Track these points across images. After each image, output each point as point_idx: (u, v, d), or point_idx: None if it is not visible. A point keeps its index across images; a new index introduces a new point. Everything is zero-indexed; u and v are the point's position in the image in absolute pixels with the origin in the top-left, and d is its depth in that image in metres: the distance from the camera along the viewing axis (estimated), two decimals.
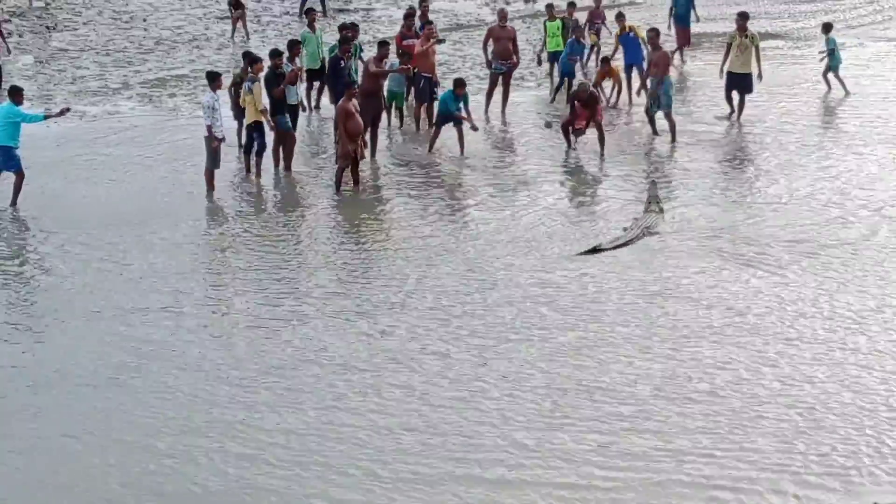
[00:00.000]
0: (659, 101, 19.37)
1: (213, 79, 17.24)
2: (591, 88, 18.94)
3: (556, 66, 22.85)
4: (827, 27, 23.08)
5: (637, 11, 29.29)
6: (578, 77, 21.61)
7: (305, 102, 20.11)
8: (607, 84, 21.81)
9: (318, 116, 21.41)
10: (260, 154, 17.86)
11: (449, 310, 12.78)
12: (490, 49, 21.45)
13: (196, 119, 19.53)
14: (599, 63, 22.33)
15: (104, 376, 11.33)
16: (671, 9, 25.58)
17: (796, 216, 15.61)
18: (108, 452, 9.95)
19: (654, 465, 9.62)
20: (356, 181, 17.32)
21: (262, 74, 17.85)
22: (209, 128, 16.92)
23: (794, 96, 22.38)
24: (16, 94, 16.78)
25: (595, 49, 24.06)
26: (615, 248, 14.57)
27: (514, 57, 21.45)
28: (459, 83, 18.87)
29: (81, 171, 18.38)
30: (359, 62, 20.10)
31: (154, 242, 15.06)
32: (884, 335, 11.95)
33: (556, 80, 22.44)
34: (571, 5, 23.71)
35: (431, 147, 19.02)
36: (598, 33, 24.41)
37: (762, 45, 21.21)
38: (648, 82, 19.90)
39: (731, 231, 15.09)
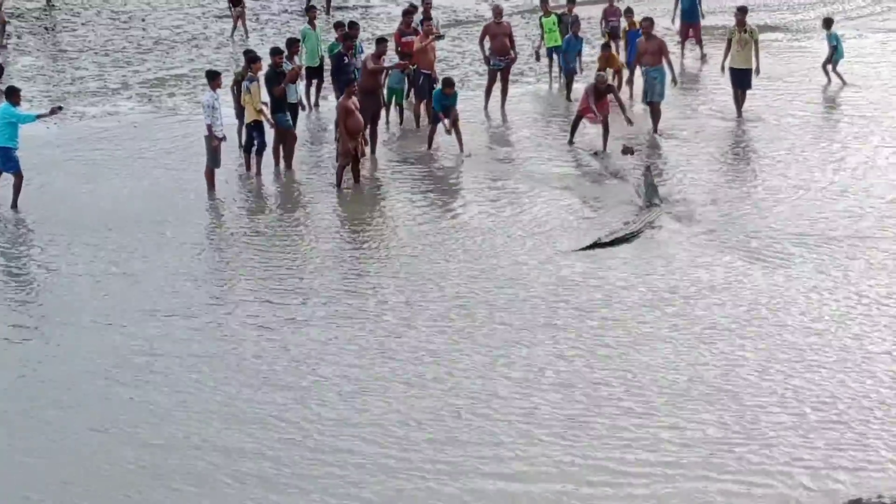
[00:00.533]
0: (652, 89, 19.36)
1: (213, 78, 17.23)
2: (609, 83, 18.91)
3: (555, 61, 22.83)
4: (828, 22, 22.99)
5: (642, 5, 29.22)
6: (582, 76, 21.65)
7: (305, 101, 20.11)
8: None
9: (318, 114, 21.39)
10: (260, 153, 17.85)
11: (459, 308, 12.74)
12: (487, 45, 21.44)
13: (196, 118, 19.53)
14: (600, 48, 22.27)
15: (117, 378, 11.37)
16: (676, 4, 25.48)
17: (804, 208, 15.63)
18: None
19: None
20: (357, 178, 17.32)
21: (261, 73, 17.85)
22: (209, 127, 16.92)
23: (794, 89, 22.36)
24: (13, 95, 16.77)
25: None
26: (614, 242, 14.58)
27: (512, 52, 21.44)
28: (448, 83, 18.86)
29: (81, 171, 18.36)
30: (358, 59, 20.09)
31: (156, 243, 15.05)
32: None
33: (556, 74, 22.41)
34: (571, 1, 23.61)
35: (430, 144, 19.01)
36: (613, 31, 23.73)
37: (761, 37, 21.18)
38: (639, 71, 19.84)
39: (737, 224, 15.09)
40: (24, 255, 14.96)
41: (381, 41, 19.35)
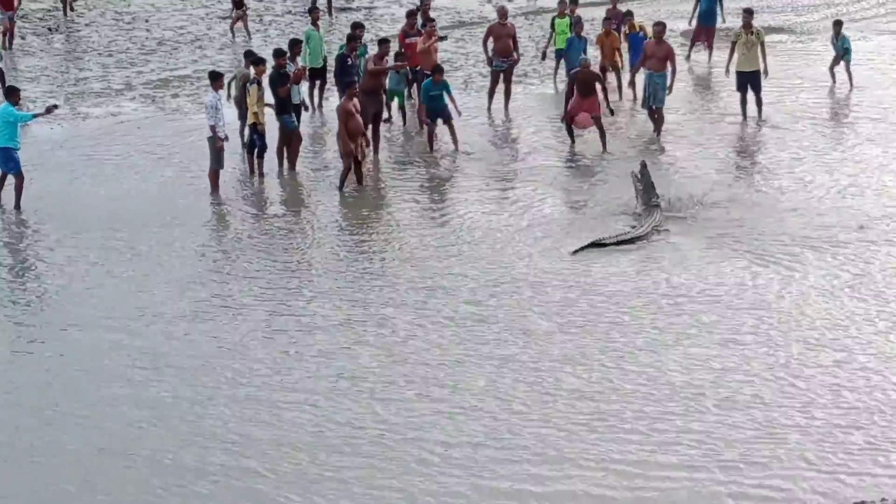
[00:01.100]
0: (654, 94, 19.29)
1: (215, 78, 17.23)
2: (595, 71, 18.83)
3: (562, 63, 22.82)
4: (838, 24, 22.81)
5: (642, 7, 29.18)
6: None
7: (307, 102, 20.10)
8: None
9: (321, 115, 21.36)
10: (260, 155, 17.82)
11: (466, 311, 12.74)
12: (490, 46, 21.41)
13: (200, 119, 19.52)
14: (602, 24, 22.25)
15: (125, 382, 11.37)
16: (695, 6, 25.34)
17: (816, 210, 15.63)
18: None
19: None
20: (359, 180, 17.30)
21: (265, 76, 17.83)
22: (213, 128, 16.90)
23: (800, 90, 22.30)
24: (12, 95, 16.79)
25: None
26: (619, 243, 14.56)
27: (515, 54, 21.41)
28: (437, 69, 18.97)
29: (85, 172, 18.37)
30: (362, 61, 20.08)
31: (161, 245, 15.05)
32: None
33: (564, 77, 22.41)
34: (574, 2, 23.60)
35: (431, 145, 18.99)
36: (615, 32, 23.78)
37: (766, 39, 21.09)
38: (642, 73, 19.72)
39: (747, 227, 15.05)
40: (29, 258, 14.98)
41: (383, 42, 19.35)
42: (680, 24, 26.76)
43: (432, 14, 22.88)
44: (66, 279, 14.05)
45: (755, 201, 16.21)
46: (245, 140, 18.21)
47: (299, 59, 19.25)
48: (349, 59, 19.42)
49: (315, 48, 21.18)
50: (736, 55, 20.15)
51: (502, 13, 21.85)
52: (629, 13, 22.56)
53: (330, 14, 30.49)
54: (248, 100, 17.63)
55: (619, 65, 22.11)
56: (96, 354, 11.94)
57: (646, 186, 15.74)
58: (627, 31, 22.30)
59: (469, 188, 17.35)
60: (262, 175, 17.82)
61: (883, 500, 9.02)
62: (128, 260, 14.58)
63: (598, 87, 18.77)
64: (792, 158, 18.14)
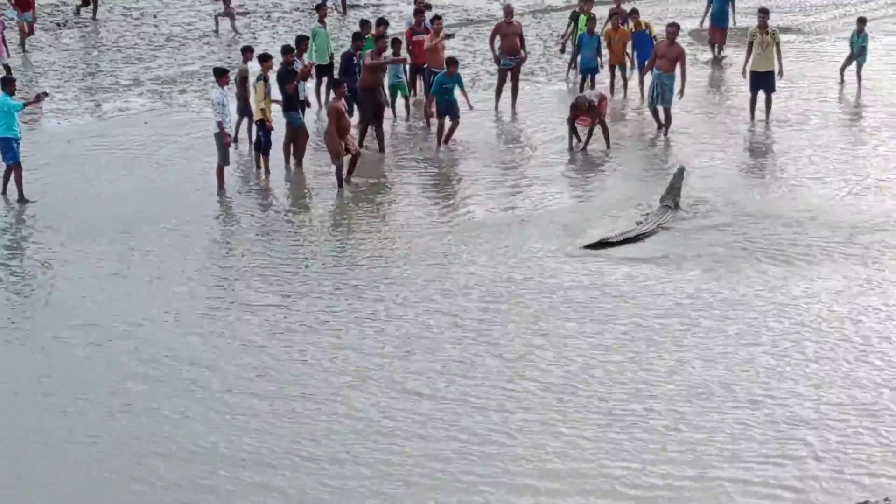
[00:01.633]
0: (662, 95, 19.26)
1: (221, 75, 17.22)
2: (590, 99, 18.77)
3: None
4: (862, 21, 22.62)
5: (650, 6, 29.13)
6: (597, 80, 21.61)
7: (311, 98, 20.12)
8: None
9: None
10: (266, 152, 17.85)
11: (481, 313, 12.78)
12: (497, 45, 21.41)
13: (206, 116, 19.55)
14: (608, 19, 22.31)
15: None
16: (707, 7, 25.28)
17: (832, 212, 15.65)
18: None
19: None
20: (349, 174, 17.33)
21: (271, 72, 17.86)
22: (220, 124, 16.91)
23: (812, 90, 22.28)
24: (8, 85, 16.82)
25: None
26: (624, 241, 14.58)
27: (522, 52, 21.40)
28: (451, 61, 19.02)
29: (92, 167, 18.39)
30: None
31: (167, 243, 15.08)
32: None
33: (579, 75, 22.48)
34: (588, 0, 23.70)
35: (440, 140, 19.01)
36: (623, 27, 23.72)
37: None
38: (650, 74, 19.68)
39: (766, 228, 15.05)
40: (34, 255, 14.97)
41: (379, 38, 19.38)
42: (687, 23, 26.70)
43: (440, 12, 22.86)
44: (71, 277, 14.07)
45: (767, 202, 16.23)
46: (251, 137, 18.25)
47: (305, 56, 19.26)
48: (354, 58, 19.44)
49: (322, 45, 21.19)
50: (752, 55, 20.01)
51: (508, 11, 21.84)
52: (635, 11, 22.53)
53: (344, 13, 30.55)
54: (254, 96, 17.64)
55: (627, 63, 22.11)
56: (106, 351, 11.98)
57: (671, 188, 15.78)
58: (633, 29, 22.26)
59: (475, 185, 17.35)
60: (268, 171, 17.83)
61: (886, 499, 9.04)
62: (133, 257, 14.60)
63: (599, 110, 18.69)
64: (805, 158, 18.18)
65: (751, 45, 20.09)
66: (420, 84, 21.49)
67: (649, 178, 17.32)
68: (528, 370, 11.31)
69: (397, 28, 25.43)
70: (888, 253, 14.19)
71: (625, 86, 22.01)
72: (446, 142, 18.95)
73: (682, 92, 19.21)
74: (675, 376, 11.15)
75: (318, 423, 10.43)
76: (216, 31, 28.62)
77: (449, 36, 21.29)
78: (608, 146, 18.70)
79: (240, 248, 14.99)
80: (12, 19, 27.00)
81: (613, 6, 23.44)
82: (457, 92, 18.96)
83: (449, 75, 18.84)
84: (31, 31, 27.14)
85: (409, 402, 10.76)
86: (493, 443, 10.05)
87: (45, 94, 18.12)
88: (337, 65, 20.77)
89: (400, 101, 20.76)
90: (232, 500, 9.38)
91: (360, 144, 18.86)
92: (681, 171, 16.24)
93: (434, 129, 19.54)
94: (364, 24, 21.12)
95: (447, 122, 18.99)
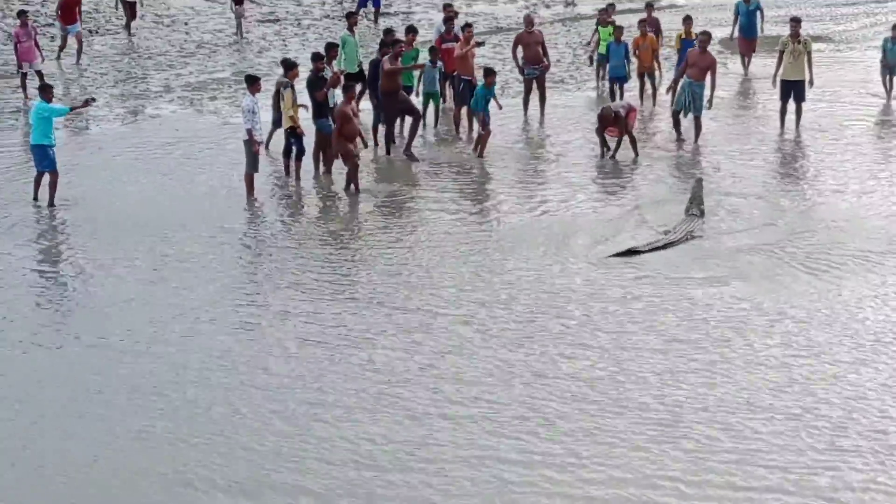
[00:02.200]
0: (693, 103, 19.22)
1: (252, 82, 17.28)
2: (616, 110, 18.76)
3: (605, 68, 22.87)
4: None
5: (678, 14, 29.05)
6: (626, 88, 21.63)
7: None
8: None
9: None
10: (299, 158, 17.92)
11: (511, 321, 12.77)
12: (520, 55, 21.47)
13: (236, 123, 19.65)
14: (637, 25, 22.39)
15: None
16: (735, 19, 25.24)
17: (861, 223, 15.57)
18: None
19: None
20: (348, 184, 17.40)
21: (296, 80, 17.89)
22: (249, 131, 16.97)
23: (844, 99, 22.21)
24: (46, 92, 16.99)
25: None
26: (652, 250, 14.57)
27: (545, 60, 21.41)
28: (489, 72, 19.21)
29: (122, 174, 18.49)
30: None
31: (197, 249, 15.13)
32: None
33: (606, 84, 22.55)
34: (611, 6, 23.75)
35: (481, 150, 19.08)
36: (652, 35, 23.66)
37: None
38: (681, 82, 19.62)
39: (794, 240, 14.97)
40: (63, 260, 15.07)
41: (396, 42, 19.43)
42: (717, 31, 26.62)
43: (471, 20, 22.92)
44: (103, 282, 14.14)
45: (803, 210, 16.22)
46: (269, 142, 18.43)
47: (334, 64, 19.34)
48: (382, 66, 19.50)
49: (351, 53, 21.24)
50: (783, 64, 19.94)
51: (528, 21, 21.88)
52: (688, 18, 22.59)
53: (375, 21, 30.69)
54: (282, 104, 17.72)
55: (657, 70, 22.10)
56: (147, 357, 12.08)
57: (693, 198, 15.79)
58: (682, 36, 22.28)
59: (502, 193, 17.39)
60: (298, 178, 17.90)
61: None
62: (164, 264, 14.65)
63: (626, 121, 18.66)
64: (836, 168, 18.12)
65: (781, 53, 20.01)
66: (449, 92, 21.53)
67: (678, 185, 17.29)
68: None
69: (426, 36, 25.49)
70: None
71: (654, 94, 22.01)
72: (481, 154, 18.99)
73: (710, 101, 19.17)
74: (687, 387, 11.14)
75: (358, 425, 10.48)
76: (237, 34, 28.80)
77: (480, 44, 21.34)
78: (636, 155, 18.68)
79: (269, 256, 14.98)
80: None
81: (645, 15, 23.49)
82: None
83: (488, 86, 18.90)
84: (80, 43, 26.51)
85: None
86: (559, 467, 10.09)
87: (93, 100, 18.26)
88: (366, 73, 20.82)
89: (431, 108, 20.79)
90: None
91: (388, 151, 18.95)
92: (699, 181, 16.28)
93: (464, 136, 19.60)
94: (388, 32, 21.16)
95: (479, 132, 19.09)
